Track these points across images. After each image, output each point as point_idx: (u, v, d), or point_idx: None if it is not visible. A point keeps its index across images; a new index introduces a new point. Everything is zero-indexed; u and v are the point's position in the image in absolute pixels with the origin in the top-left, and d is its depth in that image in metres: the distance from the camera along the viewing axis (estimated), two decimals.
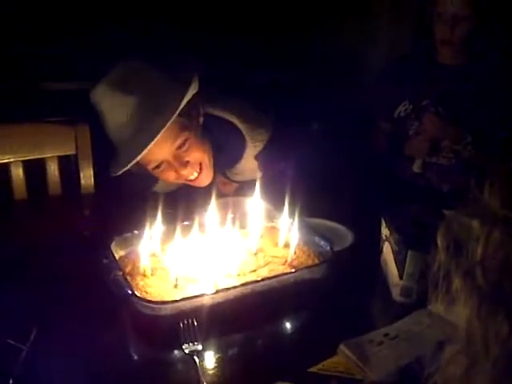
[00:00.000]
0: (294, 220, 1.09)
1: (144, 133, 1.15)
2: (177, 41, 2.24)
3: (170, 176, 1.27)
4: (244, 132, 1.34)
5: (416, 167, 1.62)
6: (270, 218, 1.20)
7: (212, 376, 0.82)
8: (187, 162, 1.24)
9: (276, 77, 2.30)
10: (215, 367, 0.85)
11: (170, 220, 1.11)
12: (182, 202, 1.22)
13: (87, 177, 1.49)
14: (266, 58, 2.47)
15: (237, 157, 1.36)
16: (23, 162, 1.42)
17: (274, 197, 1.19)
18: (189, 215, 1.13)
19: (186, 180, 1.29)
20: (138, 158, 1.15)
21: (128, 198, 1.32)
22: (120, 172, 1.17)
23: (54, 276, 1.04)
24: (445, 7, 1.47)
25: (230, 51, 2.34)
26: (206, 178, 1.30)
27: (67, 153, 1.47)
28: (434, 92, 1.56)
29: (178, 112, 1.16)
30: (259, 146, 1.37)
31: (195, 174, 1.27)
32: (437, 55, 1.59)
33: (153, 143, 1.14)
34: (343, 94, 2.23)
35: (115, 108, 1.18)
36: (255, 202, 1.15)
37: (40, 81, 2.16)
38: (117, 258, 1.02)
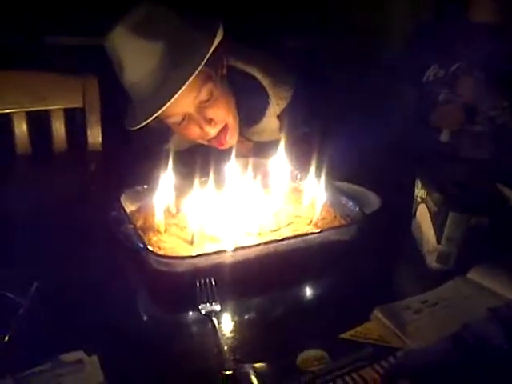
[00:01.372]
0: (319, 180, 1.00)
1: (170, 81, 1.05)
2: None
3: (194, 132, 1.16)
4: (267, 88, 1.24)
5: (444, 137, 1.52)
6: (293, 179, 1.11)
7: (231, 340, 0.74)
8: (211, 119, 1.14)
9: (299, 43, 2.19)
10: (234, 331, 0.77)
11: (185, 176, 1.02)
12: (198, 160, 1.12)
13: (95, 132, 1.40)
14: (287, 24, 2.36)
15: (258, 115, 1.26)
16: (27, 113, 1.33)
17: (298, 159, 1.11)
18: (205, 172, 1.04)
19: (208, 140, 1.19)
20: (165, 107, 1.04)
21: (138, 154, 1.24)
22: (141, 125, 1.07)
23: (58, 231, 0.96)
24: None
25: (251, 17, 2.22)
26: (230, 140, 1.20)
27: (74, 105, 1.38)
28: (467, 54, 1.45)
29: (205, 60, 1.05)
30: (282, 104, 1.27)
31: (215, 133, 1.17)
32: (469, 13, 1.47)
33: (180, 91, 1.03)
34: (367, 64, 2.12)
35: (137, 54, 1.07)
36: (278, 163, 1.07)
37: (45, 35, 2.05)
38: (127, 212, 0.94)
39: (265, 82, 1.24)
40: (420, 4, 2.22)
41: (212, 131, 1.16)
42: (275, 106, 1.27)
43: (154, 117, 1.06)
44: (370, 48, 2.23)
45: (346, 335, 0.74)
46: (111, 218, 0.89)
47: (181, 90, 1.03)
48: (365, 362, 0.69)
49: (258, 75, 1.23)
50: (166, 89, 1.05)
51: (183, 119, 1.14)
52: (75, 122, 1.43)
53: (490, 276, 0.87)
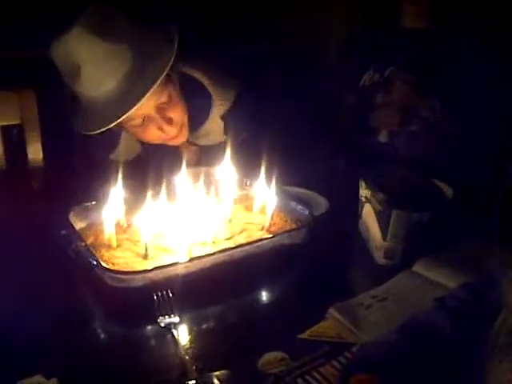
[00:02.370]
0: (269, 186, 1.02)
1: (136, 87, 1.05)
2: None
3: (153, 134, 1.18)
4: (211, 90, 1.27)
5: (382, 137, 1.58)
6: (243, 186, 1.13)
7: (192, 350, 0.75)
8: (170, 118, 1.16)
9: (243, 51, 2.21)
10: (194, 341, 0.77)
11: (133, 189, 1.02)
12: (147, 171, 1.12)
13: (35, 149, 1.36)
14: (234, 32, 2.38)
15: (203, 116, 1.29)
16: None
17: (245, 165, 1.13)
18: (154, 184, 1.03)
19: (165, 140, 1.20)
20: (131, 111, 1.05)
21: (82, 169, 1.22)
22: (104, 128, 1.07)
23: (5, 252, 0.92)
24: None
25: (199, 25, 2.22)
26: (182, 137, 1.23)
27: (11, 122, 1.33)
28: (400, 58, 1.52)
29: (170, 64, 1.07)
30: (226, 106, 1.30)
31: (174, 133, 1.19)
32: (401, 20, 1.55)
33: (146, 97, 1.04)
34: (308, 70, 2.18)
35: (98, 57, 1.04)
36: (226, 171, 1.08)
37: None
38: (77, 229, 0.92)
39: (208, 83, 1.27)
40: (354, 10, 2.30)
41: (172, 131, 1.18)
42: (219, 107, 1.30)
43: (119, 120, 1.06)
44: (310, 53, 2.29)
45: (303, 335, 0.76)
46: (61, 236, 0.87)
47: (146, 96, 1.04)
48: (323, 359, 0.71)
49: (202, 78, 1.26)
50: (131, 94, 1.05)
51: (143, 121, 1.14)
52: (13, 139, 1.38)
53: (433, 268, 0.92)
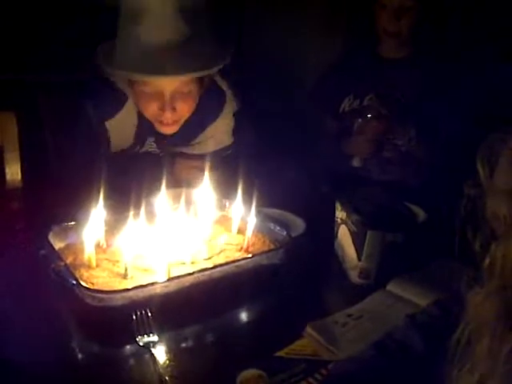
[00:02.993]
0: (247, 207, 1.05)
1: (181, 60, 1.12)
2: None
3: (152, 108, 1.22)
4: (224, 86, 1.36)
5: (356, 162, 1.62)
6: (221, 207, 1.15)
7: (171, 369, 0.76)
8: (175, 108, 1.21)
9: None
10: (173, 360, 0.78)
11: (114, 209, 1.02)
12: (125, 191, 1.13)
13: (14, 170, 1.35)
14: None
15: (216, 111, 1.36)
16: None
17: (223, 186, 1.15)
18: (135, 204, 1.05)
19: (158, 121, 1.25)
20: (165, 78, 1.14)
21: (61, 190, 1.22)
22: (122, 73, 1.17)
23: None
24: None
25: None
26: (171, 129, 1.27)
27: None
28: (379, 86, 1.58)
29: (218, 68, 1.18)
30: (237, 105, 1.38)
31: (169, 122, 1.24)
32: (380, 49, 1.61)
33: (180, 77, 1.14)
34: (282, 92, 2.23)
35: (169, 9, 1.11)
36: (205, 192, 1.10)
37: None
38: (56, 249, 0.92)
39: (221, 80, 1.36)
40: (336, 36, 2.36)
41: (169, 119, 1.22)
42: (232, 103, 1.37)
43: (144, 78, 1.15)
44: (289, 78, 2.34)
45: (281, 353, 0.78)
46: (40, 256, 0.88)
47: (186, 75, 1.14)
48: (300, 376, 0.73)
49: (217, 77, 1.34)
50: (172, 62, 1.12)
51: (153, 94, 1.19)
52: None
53: (406, 287, 0.95)
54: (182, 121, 1.27)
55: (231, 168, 1.22)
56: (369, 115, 1.54)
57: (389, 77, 1.57)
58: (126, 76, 1.19)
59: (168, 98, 1.18)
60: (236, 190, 1.08)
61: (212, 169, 1.13)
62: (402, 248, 0.98)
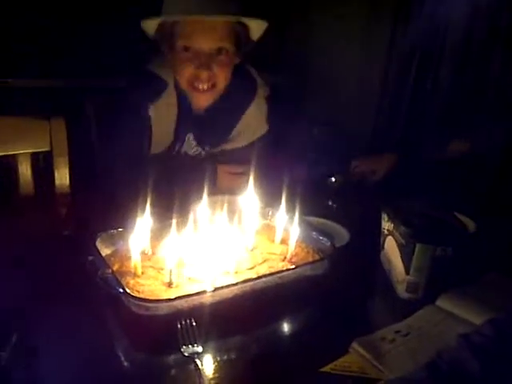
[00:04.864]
0: (291, 216, 1.03)
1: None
2: None
3: (188, 70, 1.31)
4: (254, 73, 1.47)
5: None
6: (264, 215, 1.14)
7: (215, 380, 0.75)
8: (211, 67, 1.30)
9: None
10: (218, 371, 0.77)
11: (159, 217, 1.03)
12: (171, 200, 1.14)
13: (63, 175, 1.39)
14: None
15: (249, 96, 1.45)
16: None
17: (267, 194, 1.15)
18: (179, 212, 1.05)
19: (192, 85, 1.33)
20: (205, 17, 1.25)
21: (109, 196, 1.24)
22: (174, 17, 1.28)
23: (33, 279, 0.94)
24: None
25: None
26: (208, 97, 1.37)
27: (41, 149, 1.37)
28: None
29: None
30: (267, 91, 1.48)
31: (205, 87, 1.33)
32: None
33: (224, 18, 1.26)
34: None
35: None
36: (249, 200, 1.10)
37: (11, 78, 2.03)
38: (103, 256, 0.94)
39: (252, 71, 1.49)
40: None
41: (204, 82, 1.32)
42: (263, 87, 1.47)
43: (192, 16, 1.26)
44: None
45: (326, 369, 0.76)
46: (88, 262, 0.89)
47: (223, 18, 1.26)
48: None
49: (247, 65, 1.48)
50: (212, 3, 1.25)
51: (192, 54, 1.29)
52: (42, 164, 1.42)
53: (457, 303, 0.91)
54: (217, 92, 1.35)
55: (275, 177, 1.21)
56: None
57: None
58: (176, 17, 1.28)
59: (206, 57, 1.28)
60: (276, 198, 1.07)
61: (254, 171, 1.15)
62: (452, 261, 0.95)
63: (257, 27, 1.35)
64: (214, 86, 1.34)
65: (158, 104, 1.36)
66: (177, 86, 1.38)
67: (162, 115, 1.37)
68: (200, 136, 1.44)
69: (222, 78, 1.34)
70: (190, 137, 1.45)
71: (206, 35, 1.28)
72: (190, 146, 1.45)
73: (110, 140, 1.38)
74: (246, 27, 1.34)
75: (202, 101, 1.39)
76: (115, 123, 1.38)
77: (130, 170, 1.31)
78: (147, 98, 1.36)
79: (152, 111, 1.36)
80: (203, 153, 1.47)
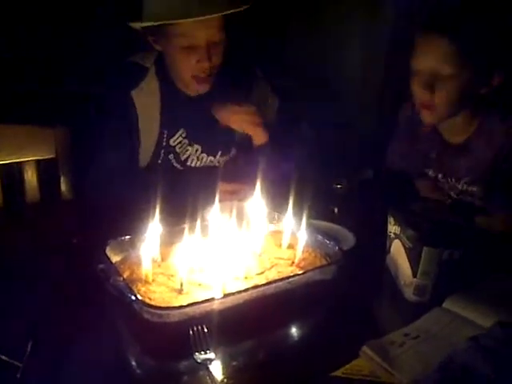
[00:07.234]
0: (298, 221, 1.04)
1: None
2: None
3: (189, 63, 1.34)
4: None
5: None
6: (271, 220, 1.15)
7: None
8: (211, 58, 1.33)
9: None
10: (229, 377, 0.78)
11: (167, 224, 1.04)
12: (179, 207, 1.14)
13: (67, 182, 1.40)
14: None
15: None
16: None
17: (274, 199, 1.15)
18: (187, 218, 1.06)
19: (193, 78, 1.37)
20: (195, 19, 1.24)
21: (115, 202, 1.25)
22: (160, 21, 1.27)
23: (45, 288, 0.95)
24: None
25: None
26: (206, 86, 1.41)
27: (46, 156, 1.38)
28: None
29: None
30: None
31: (206, 75, 1.37)
32: None
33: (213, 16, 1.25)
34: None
35: None
36: (256, 205, 1.10)
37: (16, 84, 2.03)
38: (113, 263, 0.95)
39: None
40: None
41: (206, 68, 1.35)
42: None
43: (178, 20, 1.25)
44: None
45: (337, 373, 0.77)
46: (99, 270, 0.90)
47: (214, 15, 1.26)
48: None
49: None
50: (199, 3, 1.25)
51: (189, 47, 1.31)
52: (47, 172, 1.43)
53: (464, 305, 0.92)
54: (215, 73, 1.38)
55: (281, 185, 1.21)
56: None
57: None
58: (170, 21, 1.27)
59: (204, 48, 1.31)
60: (283, 204, 1.08)
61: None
62: (459, 263, 0.95)
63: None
64: (212, 73, 1.38)
65: (139, 90, 1.40)
66: (158, 73, 1.42)
67: (146, 102, 1.41)
68: (192, 132, 1.47)
69: (218, 63, 1.38)
70: (182, 134, 1.47)
71: (204, 31, 1.30)
72: (182, 138, 1.48)
73: (104, 138, 1.41)
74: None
75: (201, 88, 1.42)
76: (104, 118, 1.42)
77: (126, 173, 1.34)
78: (127, 86, 1.39)
79: (135, 97, 1.39)
80: (206, 161, 1.49)
